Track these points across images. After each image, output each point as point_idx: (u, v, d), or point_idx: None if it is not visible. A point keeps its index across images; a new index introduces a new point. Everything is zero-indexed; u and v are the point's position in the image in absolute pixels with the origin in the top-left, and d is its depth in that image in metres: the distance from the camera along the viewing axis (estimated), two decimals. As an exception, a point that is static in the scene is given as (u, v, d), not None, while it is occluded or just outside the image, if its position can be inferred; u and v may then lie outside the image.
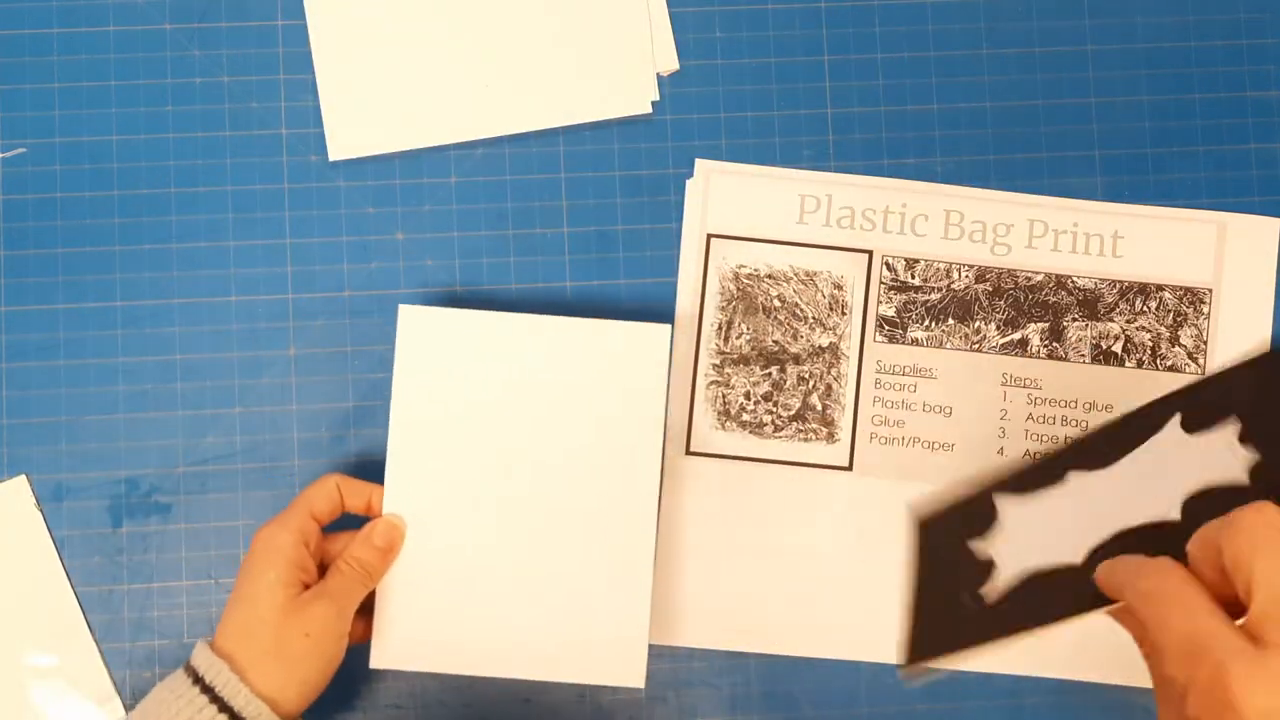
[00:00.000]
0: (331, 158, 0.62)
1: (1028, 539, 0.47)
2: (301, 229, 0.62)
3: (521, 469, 0.57)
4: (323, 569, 0.55)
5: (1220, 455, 0.45)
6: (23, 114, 0.62)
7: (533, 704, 0.60)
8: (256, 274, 0.62)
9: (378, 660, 0.56)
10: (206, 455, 0.61)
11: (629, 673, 0.56)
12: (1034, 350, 0.62)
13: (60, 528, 0.60)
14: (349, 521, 0.56)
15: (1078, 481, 0.48)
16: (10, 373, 0.61)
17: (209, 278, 0.62)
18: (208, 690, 0.50)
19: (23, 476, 0.60)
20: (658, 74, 0.63)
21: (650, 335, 0.57)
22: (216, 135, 0.62)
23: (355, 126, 0.62)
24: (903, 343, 0.62)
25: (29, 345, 0.61)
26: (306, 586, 0.53)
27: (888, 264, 0.62)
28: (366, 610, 0.56)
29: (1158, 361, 0.62)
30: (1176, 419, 0.47)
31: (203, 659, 0.51)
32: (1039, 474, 0.49)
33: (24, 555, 0.60)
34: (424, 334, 0.57)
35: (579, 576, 0.56)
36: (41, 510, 0.60)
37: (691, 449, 0.61)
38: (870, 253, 0.62)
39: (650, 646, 0.60)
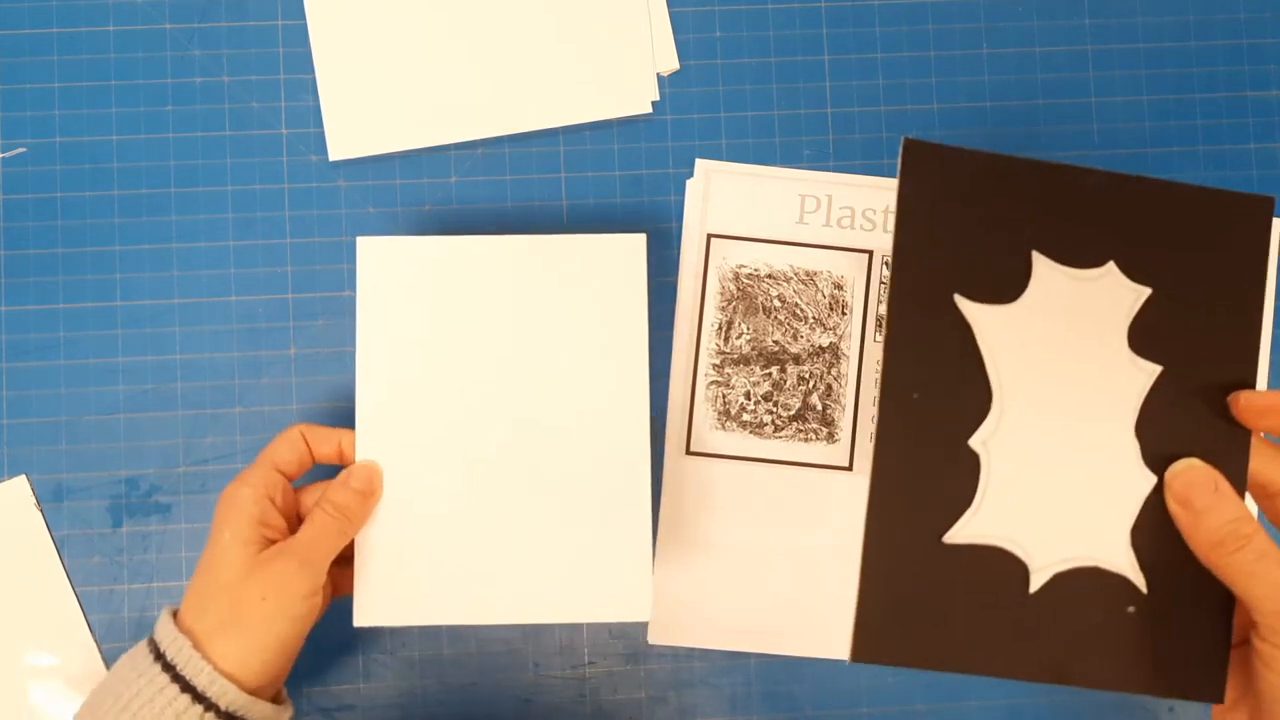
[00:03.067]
0: (331, 158, 0.62)
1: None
2: (301, 229, 0.62)
3: (502, 402, 0.54)
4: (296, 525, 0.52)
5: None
6: (23, 114, 0.62)
7: (533, 704, 0.60)
8: (256, 274, 0.62)
9: (362, 618, 0.53)
10: (206, 455, 0.61)
11: (634, 606, 0.53)
12: (1034, 350, 0.62)
13: (60, 528, 0.60)
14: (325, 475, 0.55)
15: None
16: (10, 373, 0.61)
17: (209, 278, 0.62)
18: (169, 668, 0.47)
19: (23, 476, 0.60)
20: (658, 74, 0.63)
21: (626, 246, 0.54)
22: (216, 135, 0.62)
23: (355, 126, 0.62)
24: (903, 343, 0.62)
25: (29, 345, 0.61)
26: (274, 542, 0.50)
27: (888, 263, 0.62)
28: (349, 562, 0.53)
29: (1158, 361, 0.62)
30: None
31: (165, 633, 0.48)
32: None
33: (24, 555, 0.60)
34: (386, 266, 0.54)
35: (572, 510, 0.53)
36: (41, 510, 0.60)
37: (691, 449, 0.61)
38: (870, 253, 0.62)
39: (650, 646, 0.60)
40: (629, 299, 0.54)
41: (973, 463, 0.41)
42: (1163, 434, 0.40)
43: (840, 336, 0.62)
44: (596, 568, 0.53)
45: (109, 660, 0.59)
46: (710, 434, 0.61)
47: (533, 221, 0.62)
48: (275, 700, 0.50)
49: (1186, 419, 0.40)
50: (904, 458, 0.42)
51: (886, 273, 0.62)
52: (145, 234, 0.62)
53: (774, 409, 0.62)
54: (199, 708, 0.46)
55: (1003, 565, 0.41)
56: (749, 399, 0.62)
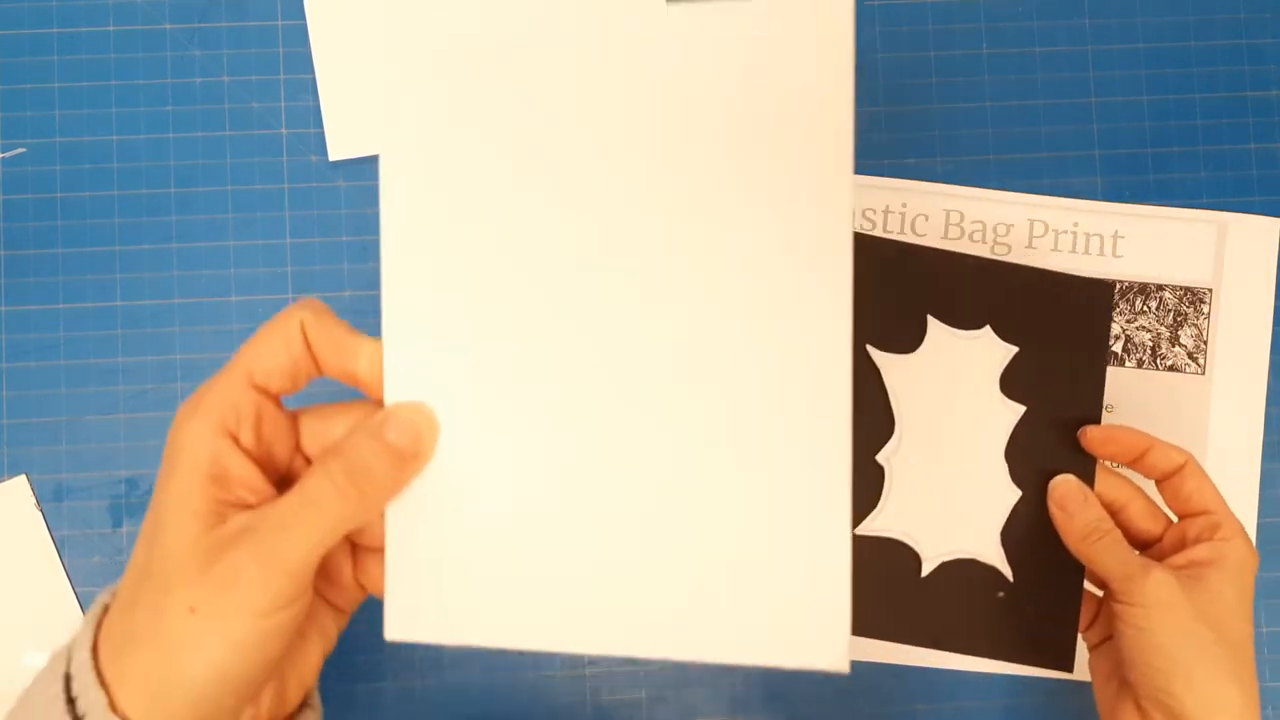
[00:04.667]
0: (331, 158, 0.62)
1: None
2: (301, 229, 0.62)
3: (613, 283, 0.32)
4: (295, 476, 0.34)
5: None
6: (23, 114, 0.62)
7: (533, 704, 0.60)
8: (256, 274, 0.62)
9: (396, 630, 0.34)
10: (206, 455, 0.61)
11: (822, 648, 0.32)
12: (1034, 350, 0.62)
13: (60, 528, 0.60)
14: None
15: None
16: (10, 373, 0.61)
17: (209, 278, 0.62)
18: (70, 699, 0.31)
19: (23, 476, 0.60)
20: (658, 74, 0.63)
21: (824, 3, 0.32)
22: (216, 135, 0.62)
23: (355, 126, 0.62)
24: (903, 343, 0.62)
25: (29, 345, 0.61)
26: (248, 507, 0.32)
27: (888, 264, 0.62)
28: (368, 554, 0.36)
29: (1158, 361, 0.62)
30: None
31: (77, 648, 0.32)
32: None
33: (24, 555, 0.60)
34: (423, 26, 0.32)
35: (722, 484, 0.33)
36: (41, 510, 0.60)
37: (691, 449, 0.62)
38: (870, 253, 0.62)
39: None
40: (827, 68, 0.32)
41: (879, 473, 0.51)
42: (1026, 458, 0.50)
43: (840, 337, 0.62)
44: (763, 584, 0.33)
45: (109, 660, 0.59)
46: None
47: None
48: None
49: (1045, 447, 0.50)
50: None
51: (886, 273, 0.62)
52: (145, 234, 0.62)
53: (774, 409, 0.61)
54: None
55: (900, 554, 0.51)
56: (749, 399, 0.62)
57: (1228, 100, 0.64)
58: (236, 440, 0.33)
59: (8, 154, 0.62)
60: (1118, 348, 0.62)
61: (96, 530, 0.60)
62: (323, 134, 0.62)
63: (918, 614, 0.50)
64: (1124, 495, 0.50)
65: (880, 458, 0.50)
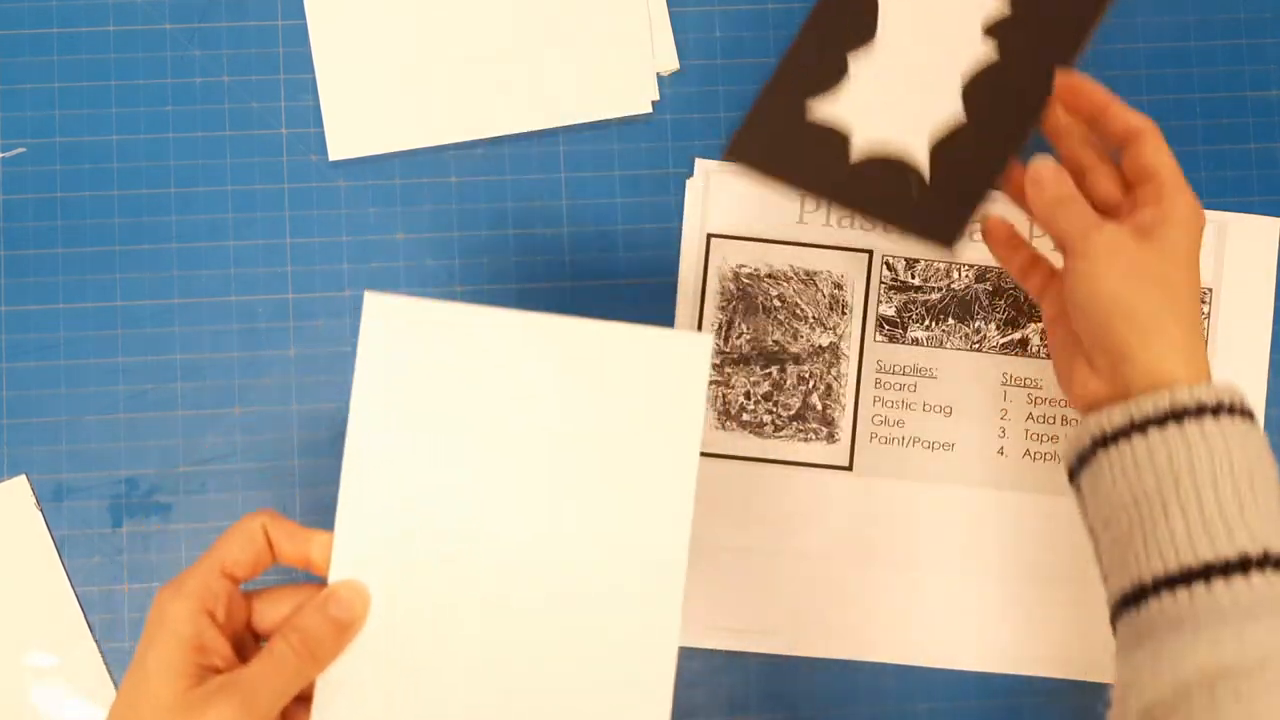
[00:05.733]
0: (331, 158, 0.62)
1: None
2: (301, 229, 0.62)
3: (515, 517, 0.44)
4: (247, 644, 0.43)
5: None
6: (23, 114, 0.62)
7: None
8: (256, 274, 0.62)
9: None
10: (206, 455, 0.61)
11: None
12: (1034, 350, 0.62)
13: (60, 528, 0.60)
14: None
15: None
16: (10, 373, 0.61)
17: (209, 278, 0.62)
18: None
19: (23, 476, 0.60)
20: (658, 74, 0.63)
21: (686, 348, 0.45)
22: (216, 135, 0.62)
23: (355, 126, 0.62)
24: (903, 342, 0.62)
25: (29, 345, 0.61)
26: (218, 671, 0.40)
27: (888, 263, 0.62)
28: (300, 708, 0.43)
29: (1158, 361, 0.62)
30: None
31: None
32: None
33: (24, 555, 0.60)
34: (396, 331, 0.44)
35: (582, 660, 0.44)
36: (41, 510, 0.60)
37: (691, 448, 0.62)
38: (870, 252, 0.62)
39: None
40: (680, 414, 0.44)
41: (843, 68, 0.57)
42: (985, 90, 0.55)
43: (840, 336, 0.62)
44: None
45: (109, 660, 0.59)
46: (710, 434, 0.61)
47: (532, 221, 0.62)
48: None
49: (1006, 85, 0.55)
50: (807, 56, 0.58)
51: (887, 273, 0.62)
52: (145, 234, 0.62)
53: (774, 409, 0.62)
54: None
55: (837, 139, 0.56)
56: (749, 399, 0.62)
57: (1228, 100, 0.64)
58: (213, 617, 0.41)
59: (8, 154, 0.62)
60: (1118, 347, 0.62)
61: (96, 530, 0.60)
62: (323, 134, 0.62)
63: (847, 184, 0.57)
64: (1089, 160, 0.51)
65: (851, 56, 0.57)
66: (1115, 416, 0.45)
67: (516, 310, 0.45)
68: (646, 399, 0.44)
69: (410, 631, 0.43)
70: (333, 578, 0.43)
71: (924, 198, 0.56)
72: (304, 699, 0.42)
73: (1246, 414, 0.46)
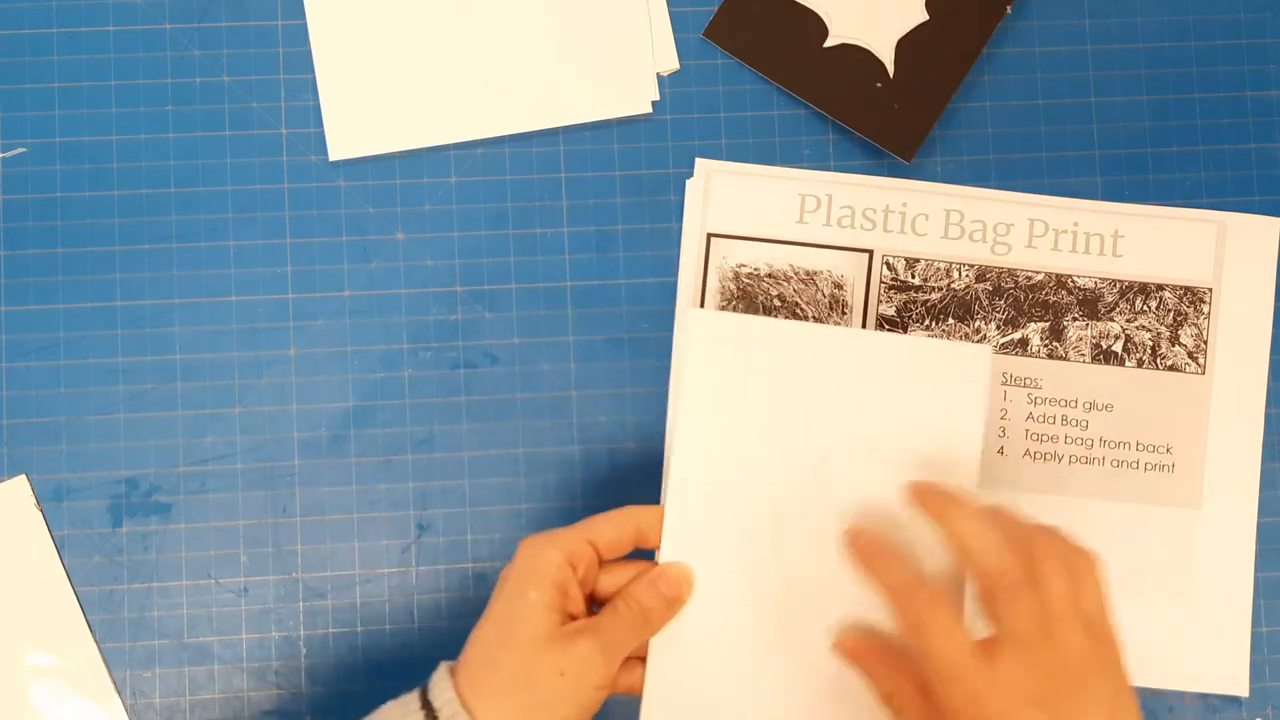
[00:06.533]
0: (331, 158, 0.62)
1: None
2: (301, 229, 0.62)
3: (818, 512, 0.49)
4: (589, 607, 0.49)
5: None
6: (23, 114, 0.62)
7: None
8: (256, 274, 0.62)
9: (651, 715, 0.49)
10: (206, 455, 0.61)
11: None
12: (1034, 350, 0.62)
13: (60, 528, 0.60)
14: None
15: None
16: (10, 373, 0.61)
17: (209, 278, 0.62)
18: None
19: (23, 476, 0.60)
20: (658, 74, 0.63)
21: (968, 356, 0.51)
22: (216, 135, 0.62)
23: (355, 126, 0.62)
24: (903, 342, 0.62)
25: (29, 345, 0.61)
26: (573, 618, 0.47)
27: (888, 263, 0.62)
28: (632, 662, 0.49)
29: (1158, 361, 0.62)
30: None
31: (439, 689, 0.45)
32: None
33: (24, 555, 0.60)
34: (718, 343, 0.50)
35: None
36: (41, 510, 0.60)
37: (691, 448, 0.62)
38: (870, 252, 0.62)
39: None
40: (965, 413, 0.50)
41: None
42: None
43: (840, 336, 0.62)
44: None
45: (109, 660, 0.59)
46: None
47: (532, 221, 0.62)
48: None
49: None
50: None
51: (887, 272, 0.62)
52: (145, 234, 0.62)
53: (774, 409, 0.61)
54: None
55: (813, 21, 0.62)
56: (749, 399, 0.62)
57: (1228, 100, 0.64)
58: (575, 571, 0.47)
59: (8, 154, 0.62)
60: (1118, 347, 0.62)
61: (96, 530, 0.60)
62: (323, 134, 0.62)
63: (811, 75, 0.62)
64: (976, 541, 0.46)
65: None
66: None
67: (822, 325, 0.54)
68: (934, 402, 0.50)
69: (725, 602, 0.49)
70: (663, 558, 0.50)
71: (887, 97, 0.61)
72: (635, 659, 0.49)
73: None
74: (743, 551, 0.50)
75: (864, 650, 0.48)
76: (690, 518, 0.50)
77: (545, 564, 0.46)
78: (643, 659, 0.49)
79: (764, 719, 0.49)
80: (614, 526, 0.48)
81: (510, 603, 0.46)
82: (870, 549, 0.48)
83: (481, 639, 0.46)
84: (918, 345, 0.52)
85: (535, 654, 0.45)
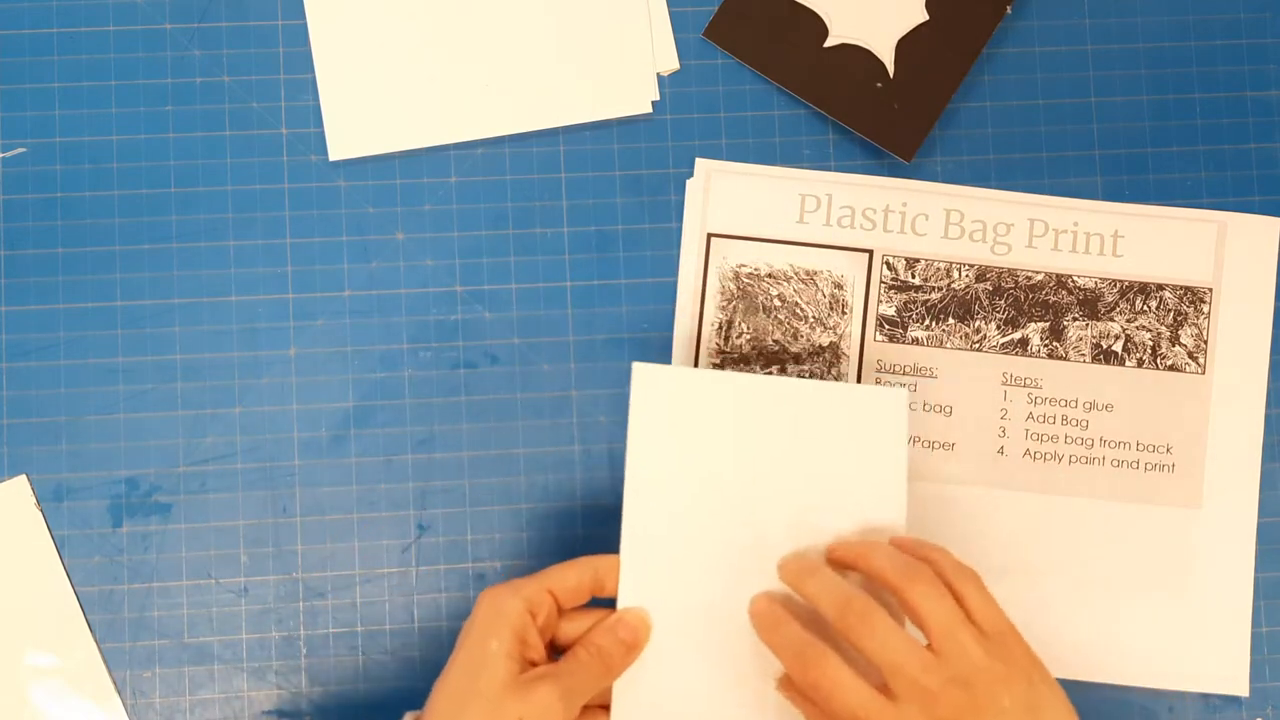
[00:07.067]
0: (331, 158, 0.62)
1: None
2: (301, 229, 0.62)
3: (760, 555, 0.51)
4: (550, 655, 0.50)
5: None
6: (23, 114, 0.62)
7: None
8: (256, 274, 0.62)
9: None
10: (206, 455, 0.61)
11: None
12: (1034, 350, 0.62)
13: (60, 528, 0.60)
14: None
15: None
16: (10, 373, 0.61)
17: (209, 278, 0.62)
18: None
19: (23, 476, 0.60)
20: (658, 74, 0.63)
21: (887, 399, 0.53)
22: (216, 135, 0.62)
23: (355, 126, 0.62)
24: (903, 342, 0.62)
25: (29, 345, 0.61)
26: (533, 664, 0.48)
27: (888, 263, 0.62)
28: (596, 712, 0.51)
29: (1158, 361, 0.62)
30: None
31: None
32: None
33: (24, 555, 0.60)
34: (661, 396, 0.52)
35: None
36: (41, 510, 0.60)
37: (691, 449, 0.62)
38: (870, 252, 0.62)
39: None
40: (887, 454, 0.53)
41: None
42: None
43: (840, 336, 0.62)
44: None
45: (109, 660, 0.59)
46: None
47: (532, 221, 0.62)
48: None
49: None
50: None
51: (887, 272, 0.62)
52: (145, 234, 0.62)
53: (774, 409, 0.61)
54: None
55: (814, 21, 0.62)
56: (749, 399, 0.62)
57: (1228, 100, 0.64)
58: (535, 620, 0.48)
59: (8, 154, 0.62)
60: (1118, 347, 0.62)
61: (96, 530, 0.60)
62: (323, 134, 0.62)
63: (811, 75, 0.62)
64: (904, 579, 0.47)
65: None
66: None
67: (748, 374, 0.57)
68: (858, 445, 0.53)
69: (683, 642, 0.50)
70: (621, 604, 0.50)
71: (887, 97, 0.62)
72: (599, 708, 0.50)
73: None
74: (697, 596, 0.51)
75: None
76: (645, 565, 0.51)
77: (506, 613, 0.47)
78: (606, 707, 0.50)
79: None
80: (573, 575, 0.49)
81: (472, 652, 0.47)
82: (764, 620, 0.49)
83: (445, 689, 0.47)
84: (838, 391, 0.54)
85: (497, 702, 0.45)
